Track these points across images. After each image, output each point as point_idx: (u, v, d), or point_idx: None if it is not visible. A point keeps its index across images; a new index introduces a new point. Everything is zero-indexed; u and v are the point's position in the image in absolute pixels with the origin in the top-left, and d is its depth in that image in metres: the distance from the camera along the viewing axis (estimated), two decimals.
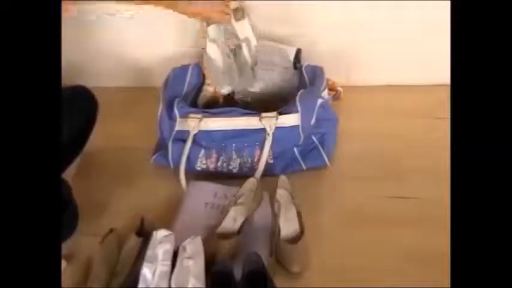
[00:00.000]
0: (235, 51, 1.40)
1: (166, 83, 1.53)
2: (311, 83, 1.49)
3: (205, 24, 1.37)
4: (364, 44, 1.64)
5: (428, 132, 1.52)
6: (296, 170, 1.41)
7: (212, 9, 1.33)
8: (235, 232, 1.24)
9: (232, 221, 1.26)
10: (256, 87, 1.42)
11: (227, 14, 1.34)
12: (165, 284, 1.08)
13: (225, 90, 1.44)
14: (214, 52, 1.36)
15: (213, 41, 1.37)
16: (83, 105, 1.32)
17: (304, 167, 1.42)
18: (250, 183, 1.32)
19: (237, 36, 1.38)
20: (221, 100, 1.52)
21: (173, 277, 1.09)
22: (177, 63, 1.57)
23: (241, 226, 1.24)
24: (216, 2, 1.33)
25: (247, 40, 1.37)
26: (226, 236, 1.22)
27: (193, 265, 1.10)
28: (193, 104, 1.50)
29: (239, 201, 1.29)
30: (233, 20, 1.35)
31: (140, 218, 1.28)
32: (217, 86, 1.43)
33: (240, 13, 1.36)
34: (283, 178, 1.33)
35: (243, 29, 1.36)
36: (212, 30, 1.37)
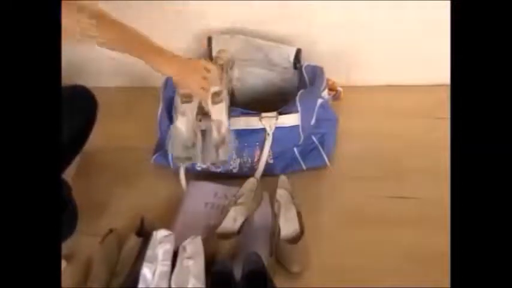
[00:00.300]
0: (205, 129, 1.35)
1: (166, 83, 1.52)
2: (311, 83, 1.49)
3: (179, 99, 1.33)
4: (364, 44, 1.64)
5: (428, 132, 1.52)
6: (296, 170, 1.41)
7: (193, 81, 1.27)
8: (235, 232, 1.24)
9: (232, 221, 1.26)
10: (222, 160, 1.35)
11: (205, 90, 1.29)
12: (165, 284, 1.08)
13: (180, 164, 1.39)
14: (182, 124, 1.32)
15: (183, 114, 1.33)
16: (83, 105, 1.32)
17: (304, 167, 1.42)
18: (250, 183, 1.32)
19: (209, 116, 1.33)
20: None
21: (173, 277, 1.09)
22: None
23: (241, 226, 1.24)
24: (198, 75, 1.27)
25: (219, 122, 1.32)
26: (226, 236, 1.22)
27: (193, 265, 1.10)
28: None
29: (239, 201, 1.29)
30: (210, 102, 1.32)
31: (140, 218, 1.28)
32: (175, 156, 1.37)
33: (218, 97, 1.33)
34: (283, 178, 1.33)
35: (217, 112, 1.32)
36: (185, 104, 1.32)
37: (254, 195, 1.29)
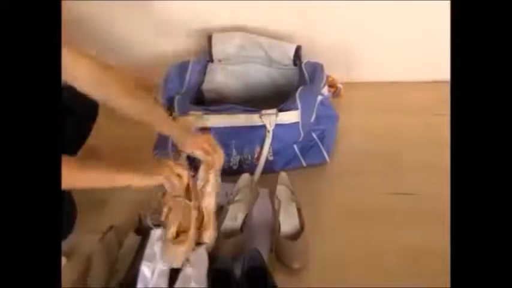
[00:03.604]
0: None
1: (165, 80, 1.53)
2: (311, 80, 1.49)
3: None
4: (364, 41, 1.64)
5: (428, 128, 1.52)
6: (296, 167, 1.42)
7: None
8: (239, 230, 1.24)
9: (234, 218, 1.26)
10: None
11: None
12: (164, 282, 1.08)
13: None
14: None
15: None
16: (83, 104, 1.32)
17: (304, 163, 1.42)
18: (245, 179, 1.32)
19: None
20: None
21: (176, 285, 1.09)
22: (177, 60, 1.58)
23: (243, 223, 1.24)
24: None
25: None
26: (230, 234, 1.22)
27: (195, 272, 1.10)
28: (194, 101, 1.50)
29: (236, 198, 1.29)
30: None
31: (138, 216, 1.27)
32: None
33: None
34: (283, 175, 1.33)
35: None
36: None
37: (250, 190, 1.29)
